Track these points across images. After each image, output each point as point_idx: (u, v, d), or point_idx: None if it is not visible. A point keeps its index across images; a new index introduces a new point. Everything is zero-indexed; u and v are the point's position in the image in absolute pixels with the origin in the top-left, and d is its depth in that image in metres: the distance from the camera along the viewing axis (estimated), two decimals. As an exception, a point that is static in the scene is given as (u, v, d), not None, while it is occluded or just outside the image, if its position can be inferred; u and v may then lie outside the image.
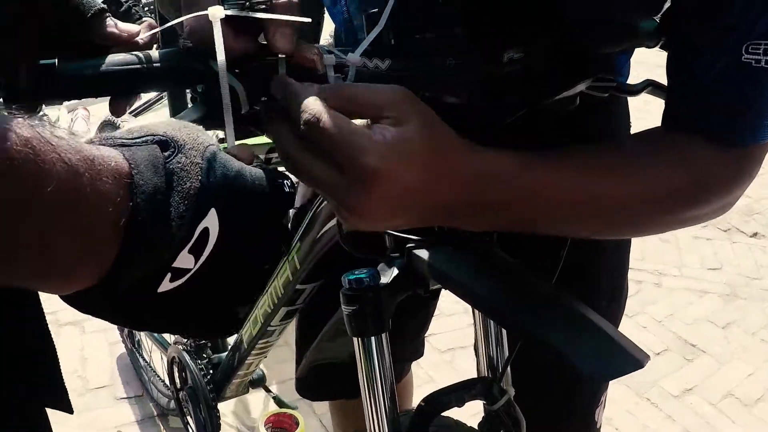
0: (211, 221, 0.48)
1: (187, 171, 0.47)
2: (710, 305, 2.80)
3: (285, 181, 0.55)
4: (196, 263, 0.49)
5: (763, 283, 2.94)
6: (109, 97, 0.64)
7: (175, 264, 0.48)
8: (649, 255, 3.09)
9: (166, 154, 0.47)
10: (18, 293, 0.52)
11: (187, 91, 1.41)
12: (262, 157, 1.00)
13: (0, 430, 0.62)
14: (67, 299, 0.48)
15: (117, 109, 0.66)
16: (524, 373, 0.87)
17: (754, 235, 3.32)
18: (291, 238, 1.00)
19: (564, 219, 0.67)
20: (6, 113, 0.40)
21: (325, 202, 0.93)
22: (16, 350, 0.62)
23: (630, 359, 0.58)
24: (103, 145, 0.46)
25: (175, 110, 1.68)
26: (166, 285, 0.49)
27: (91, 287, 0.45)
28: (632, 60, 0.96)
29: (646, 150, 0.71)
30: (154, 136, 0.48)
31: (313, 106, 0.54)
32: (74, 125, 3.34)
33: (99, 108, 3.49)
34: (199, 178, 0.48)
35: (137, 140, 0.48)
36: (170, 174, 0.47)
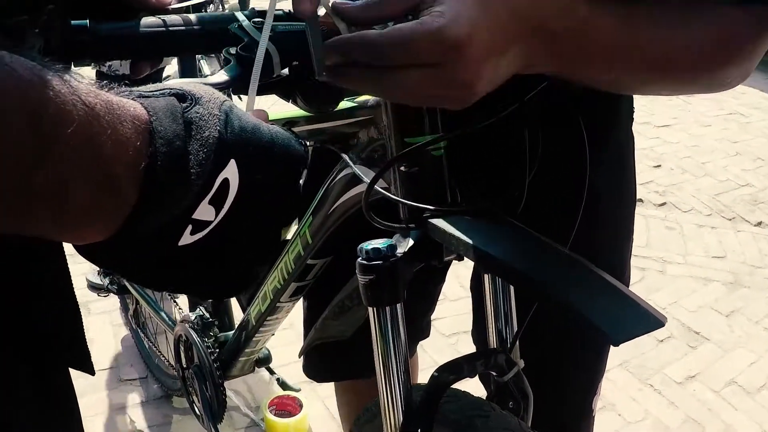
0: (231, 172, 0.48)
1: (206, 120, 0.47)
2: (714, 293, 2.80)
3: (300, 140, 0.55)
4: (217, 215, 0.49)
5: (766, 271, 2.95)
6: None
7: (196, 215, 0.48)
8: (653, 243, 3.09)
9: (184, 105, 0.47)
10: (42, 245, 0.52)
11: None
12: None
13: (23, 391, 0.61)
14: (84, 252, 0.47)
15: (138, 71, 0.66)
16: (523, 358, 0.88)
17: (759, 224, 3.32)
18: (302, 201, 1.01)
19: (605, 58, 0.69)
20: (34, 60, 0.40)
21: (339, 176, 0.93)
22: (40, 306, 0.61)
23: (649, 319, 0.58)
24: (121, 95, 0.46)
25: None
26: (187, 238, 0.48)
27: (109, 237, 0.45)
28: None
29: (680, 8, 0.72)
30: (171, 89, 0.48)
31: (370, 37, 0.58)
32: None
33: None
34: (218, 128, 0.47)
35: (155, 92, 0.48)
36: (189, 123, 0.46)
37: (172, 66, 1.61)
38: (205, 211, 0.48)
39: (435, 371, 0.81)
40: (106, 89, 0.44)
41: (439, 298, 1.33)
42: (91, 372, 0.67)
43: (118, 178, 0.43)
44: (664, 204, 3.46)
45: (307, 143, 0.57)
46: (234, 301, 1.68)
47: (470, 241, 0.66)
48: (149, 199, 0.44)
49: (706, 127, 4.48)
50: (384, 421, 0.82)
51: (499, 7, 0.61)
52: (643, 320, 0.58)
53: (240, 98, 0.68)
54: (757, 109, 4.83)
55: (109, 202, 0.43)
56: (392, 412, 0.81)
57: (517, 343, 0.89)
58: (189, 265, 0.50)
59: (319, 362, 1.34)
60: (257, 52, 0.57)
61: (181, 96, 0.48)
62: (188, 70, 1.50)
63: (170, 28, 0.59)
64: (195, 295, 0.57)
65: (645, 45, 0.70)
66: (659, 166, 3.88)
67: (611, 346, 1.11)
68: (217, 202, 0.48)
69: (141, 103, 0.45)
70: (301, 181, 0.55)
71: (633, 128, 1.04)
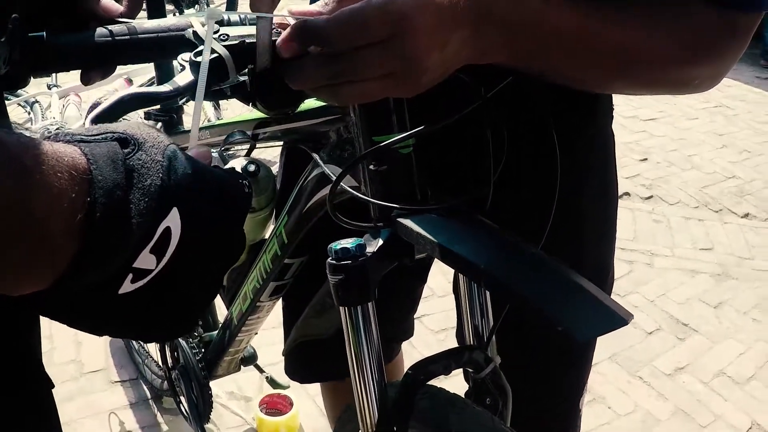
0: (173, 220, 0.47)
1: (148, 168, 0.46)
2: (702, 285, 2.81)
3: (244, 182, 0.55)
4: (158, 264, 0.47)
5: (754, 263, 2.96)
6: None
7: (136, 264, 0.46)
8: (641, 235, 3.10)
9: (126, 150, 0.46)
10: None
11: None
12: (249, 132, 1.00)
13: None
14: (23, 300, 0.45)
15: (88, 79, 0.66)
16: (510, 369, 0.88)
17: (746, 215, 3.34)
18: (245, 242, 1.01)
19: (560, 50, 0.70)
20: None
21: (311, 175, 0.93)
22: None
23: (614, 316, 0.58)
24: (61, 141, 0.45)
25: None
26: (127, 286, 0.47)
27: (47, 288, 0.44)
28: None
29: (646, 5, 0.73)
30: (114, 133, 0.47)
31: (321, 19, 0.59)
32: (66, 111, 3.32)
33: (91, 94, 3.48)
34: (161, 175, 0.46)
35: (96, 137, 0.46)
36: (130, 171, 0.45)
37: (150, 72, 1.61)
38: (146, 260, 0.47)
39: (409, 369, 0.81)
40: (47, 137, 0.44)
41: (427, 294, 1.33)
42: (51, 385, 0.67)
43: (52, 234, 0.41)
44: (651, 197, 3.47)
45: (251, 186, 0.57)
46: (218, 300, 1.68)
47: (436, 240, 0.66)
48: (88, 250, 0.43)
49: (693, 120, 4.50)
50: (360, 420, 0.82)
51: None
52: (607, 318, 0.59)
53: (217, 110, 0.68)
54: (743, 102, 4.85)
55: (43, 257, 0.42)
56: (368, 411, 0.81)
57: (494, 338, 0.89)
58: (130, 312, 0.49)
59: (301, 364, 1.34)
60: (201, 58, 0.57)
61: (124, 140, 0.47)
62: (165, 76, 1.50)
63: (129, 36, 0.59)
64: (138, 339, 0.56)
65: (604, 39, 0.70)
66: (646, 159, 3.89)
67: (595, 345, 1.12)
68: (158, 251, 0.47)
69: (81, 149, 0.44)
70: (244, 223, 0.54)
71: (619, 122, 1.04)
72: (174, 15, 0.61)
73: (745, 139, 4.25)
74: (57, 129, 3.05)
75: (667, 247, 3.05)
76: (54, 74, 2.12)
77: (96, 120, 0.61)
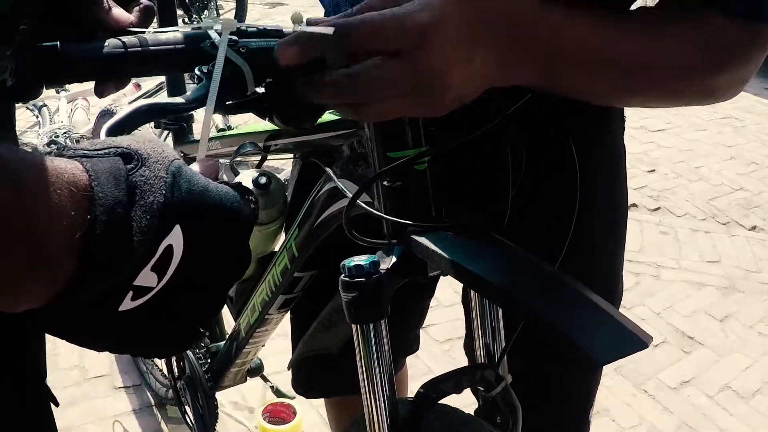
0: (176, 238, 0.46)
1: (151, 185, 0.45)
2: (708, 298, 2.80)
3: (250, 197, 0.54)
4: (159, 282, 0.47)
5: (761, 276, 2.95)
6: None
7: (137, 282, 0.46)
8: (647, 247, 3.09)
9: (129, 166, 0.45)
10: None
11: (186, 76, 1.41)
12: (260, 144, 1.00)
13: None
14: (22, 317, 0.45)
15: (102, 91, 0.65)
16: (519, 383, 0.87)
17: (753, 228, 3.33)
18: (249, 259, 1.01)
19: (583, 66, 0.69)
20: None
21: (324, 189, 0.92)
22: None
23: (633, 339, 0.57)
24: (63, 156, 0.44)
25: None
26: (127, 303, 0.46)
27: (46, 305, 0.43)
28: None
29: (664, 16, 0.72)
30: (117, 148, 0.46)
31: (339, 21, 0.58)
32: (74, 115, 3.32)
33: (99, 98, 3.48)
34: (164, 192, 0.45)
35: (99, 152, 0.46)
36: (132, 187, 0.44)
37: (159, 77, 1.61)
38: (147, 278, 0.46)
39: (421, 387, 0.81)
40: (50, 152, 0.43)
41: (434, 304, 1.32)
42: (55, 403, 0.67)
43: (51, 250, 0.41)
44: (658, 209, 3.46)
45: (257, 201, 0.56)
46: (225, 311, 1.68)
47: (452, 258, 0.65)
48: (87, 268, 0.42)
49: (701, 132, 4.48)
50: (370, 437, 0.82)
51: (471, 5, 0.61)
52: (627, 340, 0.58)
53: (225, 117, 0.67)
54: (751, 113, 4.83)
55: (41, 274, 0.41)
56: (378, 429, 0.80)
57: (506, 357, 0.88)
58: (130, 329, 0.48)
59: (307, 378, 1.34)
60: (215, 69, 0.56)
61: (128, 156, 0.46)
62: (176, 88, 1.50)
63: (143, 48, 0.59)
64: (138, 355, 0.55)
65: (622, 51, 0.69)
66: (653, 170, 3.88)
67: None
68: (159, 269, 0.46)
69: (83, 165, 0.43)
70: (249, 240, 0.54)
71: (627, 132, 1.04)
72: (183, 21, 0.60)
73: (753, 151, 4.24)
74: (65, 133, 3.06)
75: (674, 259, 3.04)
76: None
77: (110, 131, 0.60)
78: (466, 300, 1.08)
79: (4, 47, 0.54)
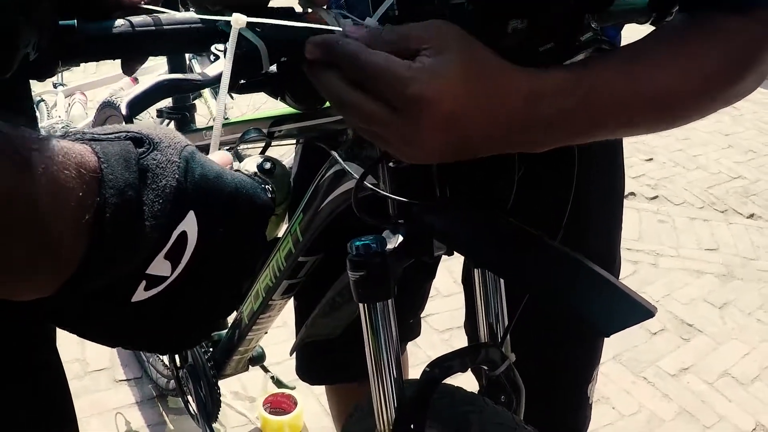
0: (190, 224, 0.44)
1: (163, 168, 0.43)
2: (707, 285, 2.81)
3: (267, 186, 0.53)
4: (173, 271, 0.45)
5: (759, 263, 2.96)
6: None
7: (150, 271, 0.44)
8: (646, 236, 3.10)
9: (140, 150, 0.43)
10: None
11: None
12: (265, 130, 1.00)
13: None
14: (31, 308, 0.43)
15: (130, 69, 0.65)
16: (516, 350, 0.88)
17: (751, 216, 3.34)
18: (270, 248, 1.01)
19: (623, 118, 0.68)
20: None
21: (328, 173, 0.93)
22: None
23: (639, 309, 0.58)
24: (71, 139, 0.42)
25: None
26: (140, 294, 0.44)
27: (56, 294, 0.41)
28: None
29: (684, 36, 0.71)
30: (128, 132, 0.44)
31: (352, 46, 0.57)
32: (71, 110, 3.31)
33: (96, 92, 3.48)
34: (176, 176, 0.43)
35: (109, 135, 0.44)
36: (144, 170, 0.42)
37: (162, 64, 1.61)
38: (160, 266, 0.44)
39: (426, 366, 0.82)
40: (57, 132, 0.42)
41: (433, 293, 1.33)
42: None
43: (57, 233, 0.39)
44: (656, 197, 3.47)
45: (273, 190, 0.56)
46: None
47: (459, 236, 0.66)
48: (96, 254, 0.40)
49: (698, 120, 4.48)
50: (377, 418, 0.82)
51: (491, 99, 0.59)
52: (633, 311, 0.59)
53: (232, 96, 0.68)
54: (748, 102, 4.83)
55: (47, 260, 0.39)
56: (385, 409, 0.81)
57: (508, 336, 0.89)
58: (144, 321, 0.47)
59: (308, 364, 1.34)
60: (227, 49, 0.56)
61: (138, 140, 0.44)
62: (177, 67, 1.50)
63: (161, 27, 0.59)
64: (150, 350, 0.53)
65: (648, 85, 0.67)
66: (651, 159, 3.89)
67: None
68: (173, 257, 0.44)
69: (92, 148, 0.41)
70: (266, 231, 0.53)
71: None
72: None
73: (750, 140, 4.24)
74: (63, 128, 3.05)
75: (672, 247, 3.05)
76: (61, 72, 2.11)
77: (131, 104, 0.60)
78: (468, 279, 1.09)
79: (28, 22, 0.53)
